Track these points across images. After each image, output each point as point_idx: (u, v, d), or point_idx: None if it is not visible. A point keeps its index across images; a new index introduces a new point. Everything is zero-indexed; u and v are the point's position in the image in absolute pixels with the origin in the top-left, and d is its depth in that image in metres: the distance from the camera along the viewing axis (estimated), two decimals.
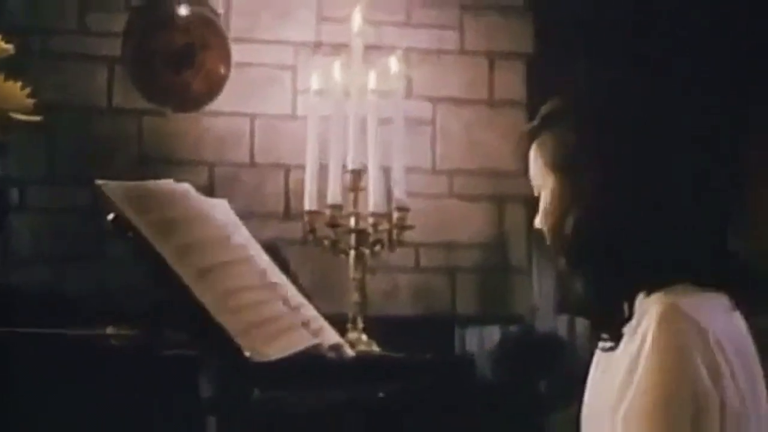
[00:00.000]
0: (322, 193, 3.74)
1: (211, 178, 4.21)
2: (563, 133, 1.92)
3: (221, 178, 4.22)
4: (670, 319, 1.77)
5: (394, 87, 3.85)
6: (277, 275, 2.26)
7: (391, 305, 4.25)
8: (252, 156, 4.27)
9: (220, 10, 4.25)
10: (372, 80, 3.79)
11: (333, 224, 3.75)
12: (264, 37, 4.30)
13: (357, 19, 3.87)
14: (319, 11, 4.33)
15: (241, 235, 2.25)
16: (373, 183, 3.74)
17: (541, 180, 1.97)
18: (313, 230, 3.76)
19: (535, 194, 2.00)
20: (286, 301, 2.20)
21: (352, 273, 3.76)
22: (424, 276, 4.33)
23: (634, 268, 1.85)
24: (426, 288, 4.34)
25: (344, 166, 3.75)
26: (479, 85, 4.43)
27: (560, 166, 1.92)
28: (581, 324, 4.12)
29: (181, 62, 4.14)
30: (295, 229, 4.03)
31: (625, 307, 1.87)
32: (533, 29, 4.43)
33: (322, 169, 3.75)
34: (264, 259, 2.25)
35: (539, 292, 4.35)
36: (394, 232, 3.77)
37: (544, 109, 1.98)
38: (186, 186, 2.17)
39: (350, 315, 3.70)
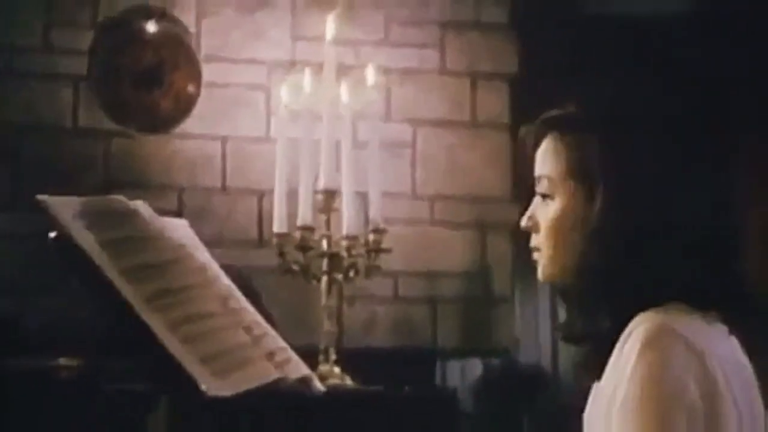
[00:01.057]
0: (293, 216, 3.59)
1: (181, 203, 4.11)
2: (592, 140, 1.81)
3: (191, 203, 4.13)
4: (657, 338, 1.69)
5: (370, 100, 3.69)
6: (239, 301, 2.10)
7: (369, 337, 4.16)
8: (223, 180, 4.17)
9: (192, 29, 4.12)
10: (344, 92, 3.63)
11: (303, 247, 3.58)
12: (236, 56, 4.20)
13: (330, 28, 3.70)
14: (293, 30, 4.24)
15: (200, 257, 2.09)
16: (346, 203, 3.58)
17: (557, 184, 1.85)
18: (282, 254, 3.60)
19: (539, 191, 1.88)
20: (248, 329, 2.05)
21: (324, 300, 3.59)
22: (403, 306, 4.23)
23: (637, 288, 1.76)
24: (405, 319, 4.23)
25: (316, 186, 3.59)
26: (461, 107, 4.34)
27: (584, 176, 1.82)
28: (565, 355, 4.06)
29: (150, 81, 4.06)
30: (268, 257, 3.89)
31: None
32: (517, 48, 4.34)
33: (294, 190, 3.60)
34: (225, 284, 2.11)
35: (522, 323, 4.25)
36: (371, 255, 3.60)
37: (568, 107, 1.87)
38: (139, 203, 2.02)
39: (322, 346, 3.54)
